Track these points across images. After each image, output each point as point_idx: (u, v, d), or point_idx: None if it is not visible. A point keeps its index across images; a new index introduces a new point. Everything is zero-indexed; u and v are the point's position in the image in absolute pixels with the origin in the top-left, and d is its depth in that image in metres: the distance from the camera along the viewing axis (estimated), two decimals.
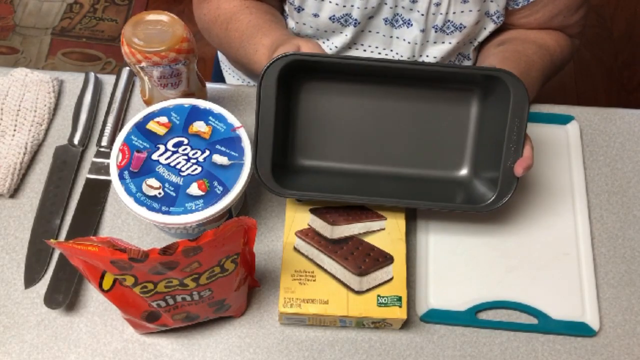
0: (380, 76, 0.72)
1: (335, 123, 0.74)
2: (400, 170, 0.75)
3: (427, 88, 0.73)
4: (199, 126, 0.71)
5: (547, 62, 0.85)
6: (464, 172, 0.75)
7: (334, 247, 0.71)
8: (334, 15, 0.83)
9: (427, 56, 0.88)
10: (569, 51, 0.91)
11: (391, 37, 0.86)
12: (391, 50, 0.88)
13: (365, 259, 0.70)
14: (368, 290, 0.69)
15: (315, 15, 0.84)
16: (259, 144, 0.69)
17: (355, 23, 0.83)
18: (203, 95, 0.81)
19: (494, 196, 0.70)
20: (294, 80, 0.72)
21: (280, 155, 0.72)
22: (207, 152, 0.69)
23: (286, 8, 0.89)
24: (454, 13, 0.81)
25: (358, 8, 0.81)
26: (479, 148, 0.74)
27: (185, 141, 0.70)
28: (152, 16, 0.69)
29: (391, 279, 0.69)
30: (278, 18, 0.86)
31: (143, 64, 0.70)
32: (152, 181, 0.68)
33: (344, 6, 0.81)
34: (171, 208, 0.66)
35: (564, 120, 0.86)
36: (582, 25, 0.90)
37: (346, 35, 0.86)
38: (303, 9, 0.84)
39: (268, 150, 0.69)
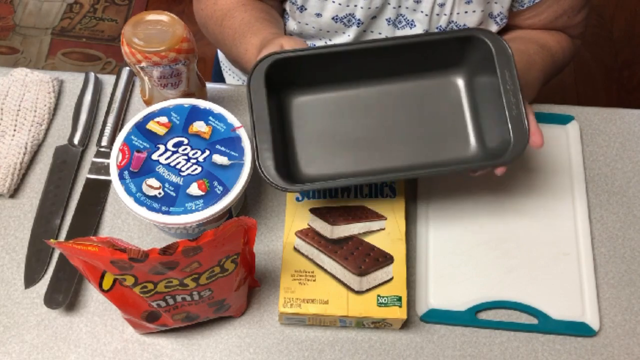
0: (364, 63, 0.71)
1: (332, 131, 0.73)
2: (410, 164, 0.73)
3: (413, 74, 0.73)
4: (199, 126, 0.71)
5: (548, 62, 0.85)
6: (472, 147, 0.73)
7: (334, 247, 0.71)
8: (336, 15, 0.83)
9: None
10: (571, 52, 0.91)
11: None
12: None
13: (365, 259, 0.70)
14: (368, 290, 0.69)
15: (318, 15, 0.83)
16: (258, 143, 0.68)
17: (358, 23, 0.83)
18: (203, 95, 0.81)
19: (511, 146, 0.67)
20: (284, 96, 0.72)
21: (282, 167, 0.70)
22: (207, 152, 0.69)
23: (287, 8, 0.89)
24: (458, 14, 0.81)
25: (361, 8, 0.81)
26: (480, 118, 0.73)
27: (185, 141, 0.70)
28: (152, 16, 0.69)
29: (391, 279, 0.69)
30: (272, 17, 0.86)
31: (143, 64, 0.70)
32: (152, 181, 0.68)
33: (347, 6, 0.81)
34: (171, 208, 0.66)
35: (564, 120, 0.86)
36: (584, 26, 0.90)
37: (349, 35, 0.86)
38: (306, 9, 0.83)
39: (269, 149, 0.68)
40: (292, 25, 0.89)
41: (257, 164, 0.67)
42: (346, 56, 0.69)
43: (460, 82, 0.74)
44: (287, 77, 0.70)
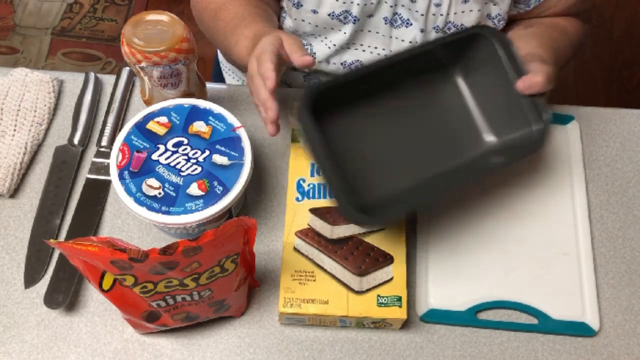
0: (384, 75, 0.71)
1: (371, 153, 0.72)
2: (438, 170, 0.73)
3: (416, 82, 0.73)
4: (199, 126, 0.71)
5: (568, 48, 0.86)
6: (488, 141, 0.75)
7: (334, 247, 0.71)
8: (333, 12, 0.83)
9: None
10: (585, 37, 0.92)
11: (390, 37, 0.86)
12: (390, 51, 0.88)
13: (365, 259, 0.70)
14: (368, 290, 0.69)
15: (314, 12, 0.83)
16: (333, 188, 0.63)
17: (354, 20, 0.83)
18: (203, 95, 0.81)
19: (538, 127, 0.70)
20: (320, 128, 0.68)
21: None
22: (207, 152, 0.69)
23: (284, 4, 0.89)
24: (455, 13, 0.81)
25: (358, 5, 0.81)
26: (489, 111, 0.75)
27: (185, 141, 0.70)
28: (152, 16, 0.70)
29: (391, 279, 0.69)
30: (266, 12, 0.86)
31: (143, 64, 0.70)
32: (152, 181, 0.68)
33: (344, 2, 0.81)
34: (171, 208, 0.66)
35: (564, 120, 0.86)
36: (590, 10, 0.91)
37: (345, 33, 0.85)
38: (302, 5, 0.84)
39: (341, 187, 0.64)
40: (288, 22, 0.89)
41: (339, 208, 0.63)
42: (376, 72, 0.69)
43: (460, 81, 0.75)
44: (324, 105, 0.67)
